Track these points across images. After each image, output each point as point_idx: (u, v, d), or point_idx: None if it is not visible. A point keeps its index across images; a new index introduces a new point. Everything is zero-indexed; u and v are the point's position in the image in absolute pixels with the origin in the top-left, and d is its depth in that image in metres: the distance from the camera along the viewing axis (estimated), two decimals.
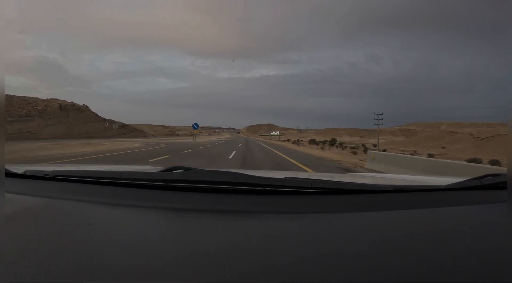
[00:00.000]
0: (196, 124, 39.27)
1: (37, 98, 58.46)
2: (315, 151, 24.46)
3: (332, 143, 66.42)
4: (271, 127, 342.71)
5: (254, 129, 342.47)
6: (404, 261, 0.43)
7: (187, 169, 0.87)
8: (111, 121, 63.39)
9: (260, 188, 0.75)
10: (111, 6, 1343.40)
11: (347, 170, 9.05)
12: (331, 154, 21.15)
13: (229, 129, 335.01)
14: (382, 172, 7.18)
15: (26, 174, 0.91)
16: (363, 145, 70.29)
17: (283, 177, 0.81)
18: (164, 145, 23.26)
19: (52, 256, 0.44)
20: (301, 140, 67.28)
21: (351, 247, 0.48)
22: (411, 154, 24.96)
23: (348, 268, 0.42)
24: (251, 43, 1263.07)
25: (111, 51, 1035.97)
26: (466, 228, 0.58)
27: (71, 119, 57.61)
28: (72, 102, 62.83)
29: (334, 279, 0.39)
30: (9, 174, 0.89)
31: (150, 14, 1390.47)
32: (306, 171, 7.98)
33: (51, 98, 59.99)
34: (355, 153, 29.05)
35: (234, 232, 0.55)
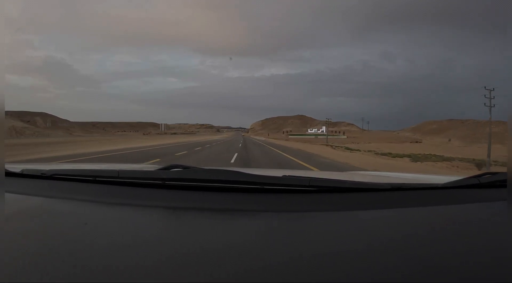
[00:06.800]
0: None
1: None
2: None
3: None
4: (304, 120, 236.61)
5: (275, 124, 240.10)
6: (402, 260, 0.43)
7: (185, 167, 0.87)
8: None
9: (258, 186, 0.75)
10: (116, 3, 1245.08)
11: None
12: None
13: (238, 129, 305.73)
14: None
15: (24, 173, 0.92)
16: None
17: (281, 175, 0.81)
18: None
19: (48, 256, 0.44)
20: None
21: (349, 245, 0.48)
22: None
23: (346, 267, 0.42)
24: (261, 41, 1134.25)
25: (120, 51, 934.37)
26: (464, 226, 0.58)
27: None
28: None
29: (332, 278, 0.39)
30: (7, 173, 0.90)
31: (157, 11, 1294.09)
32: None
33: None
34: None
35: (232, 231, 0.55)
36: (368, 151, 26.91)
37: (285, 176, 0.82)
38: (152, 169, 0.92)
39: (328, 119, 74.00)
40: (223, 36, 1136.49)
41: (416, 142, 72.23)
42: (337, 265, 0.42)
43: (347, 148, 31.18)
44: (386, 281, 0.38)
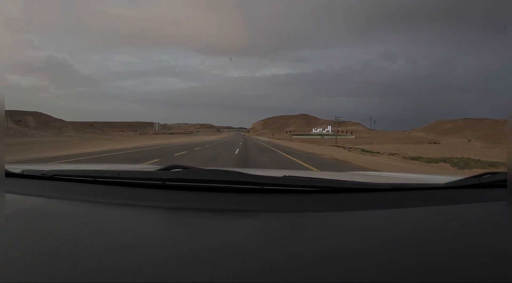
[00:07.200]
0: None
1: None
2: None
3: None
4: (308, 120, 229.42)
5: (277, 124, 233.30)
6: (402, 260, 0.43)
7: (185, 168, 0.87)
8: None
9: (258, 187, 0.75)
10: (116, 3, 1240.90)
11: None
12: None
13: (239, 129, 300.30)
14: None
15: (24, 173, 0.92)
16: None
17: (281, 176, 0.80)
18: None
19: (48, 256, 0.44)
20: None
21: (349, 245, 0.48)
22: None
23: (346, 267, 0.41)
24: (262, 41, 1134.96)
25: (120, 51, 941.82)
26: (464, 226, 0.58)
27: None
28: None
29: (332, 278, 0.39)
30: (7, 174, 0.90)
31: (157, 11, 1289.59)
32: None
33: None
34: None
35: (232, 231, 0.55)
36: (390, 154, 20.94)
37: (286, 176, 0.81)
38: (152, 170, 0.92)
39: (338, 117, 66.97)
40: (223, 36, 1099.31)
41: (435, 143, 65.25)
42: (337, 265, 0.42)
43: (364, 150, 25.18)
44: (386, 281, 0.38)
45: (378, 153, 21.20)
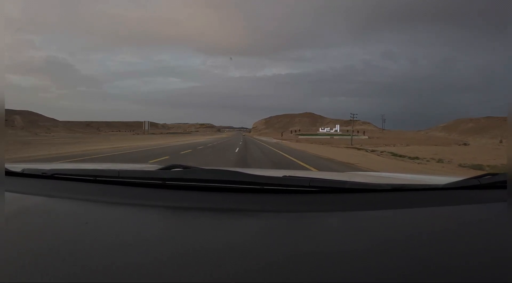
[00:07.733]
0: None
1: None
2: None
3: None
4: (313, 119, 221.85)
5: (280, 123, 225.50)
6: (401, 260, 0.43)
7: (185, 167, 0.87)
8: None
9: (259, 187, 0.75)
10: (117, 3, 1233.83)
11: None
12: None
13: (240, 129, 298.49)
14: None
15: (24, 172, 0.91)
16: None
17: (281, 176, 0.80)
18: None
19: (48, 256, 0.44)
20: None
21: (349, 246, 0.48)
22: None
23: (346, 267, 0.41)
24: (262, 41, 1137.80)
25: (121, 51, 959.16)
26: (464, 227, 0.58)
27: None
28: None
29: (332, 278, 0.39)
30: (8, 173, 0.90)
31: (157, 11, 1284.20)
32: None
33: None
34: None
35: (232, 231, 0.55)
36: (432, 160, 14.77)
37: (286, 176, 0.81)
38: (153, 169, 0.92)
39: (354, 115, 58.41)
40: (224, 36, 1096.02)
41: (464, 144, 56.86)
42: (338, 265, 0.42)
43: (394, 154, 18.31)
44: (386, 281, 0.38)
45: (417, 158, 15.48)
